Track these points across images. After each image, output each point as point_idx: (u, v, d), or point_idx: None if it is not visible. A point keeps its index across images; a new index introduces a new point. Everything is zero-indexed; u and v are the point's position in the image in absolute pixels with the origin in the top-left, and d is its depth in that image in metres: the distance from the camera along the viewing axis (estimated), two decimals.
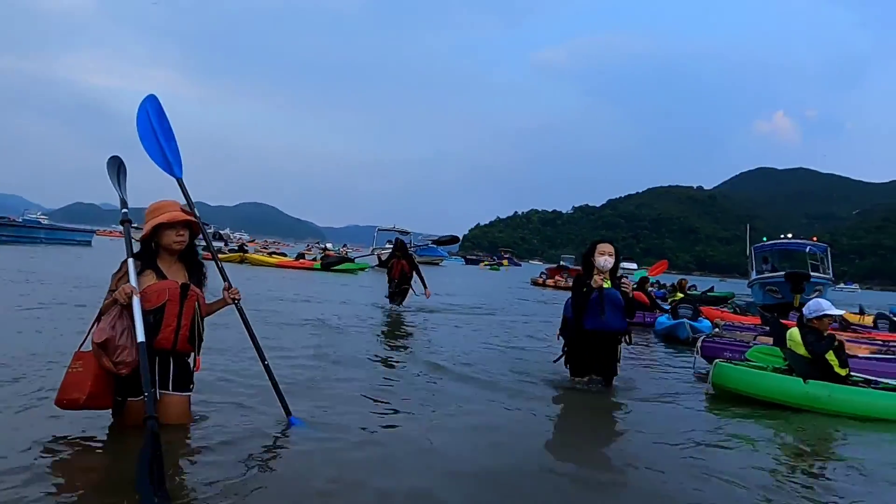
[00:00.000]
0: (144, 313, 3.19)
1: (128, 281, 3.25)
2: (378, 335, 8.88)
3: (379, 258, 12.98)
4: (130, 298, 3.15)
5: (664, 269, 26.02)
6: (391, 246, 14.76)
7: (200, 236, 3.69)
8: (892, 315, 15.26)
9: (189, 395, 3.54)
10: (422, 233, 45.23)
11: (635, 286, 13.92)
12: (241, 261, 27.04)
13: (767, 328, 8.68)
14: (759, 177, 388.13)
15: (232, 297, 3.64)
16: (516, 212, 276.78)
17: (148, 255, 3.46)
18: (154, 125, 3.83)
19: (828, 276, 24.12)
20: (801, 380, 5.50)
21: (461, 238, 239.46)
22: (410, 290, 11.98)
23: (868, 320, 15.12)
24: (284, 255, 31.57)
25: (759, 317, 11.52)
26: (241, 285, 3.87)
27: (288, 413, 3.71)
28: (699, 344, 7.64)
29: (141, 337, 3.11)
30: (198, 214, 3.61)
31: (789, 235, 27.37)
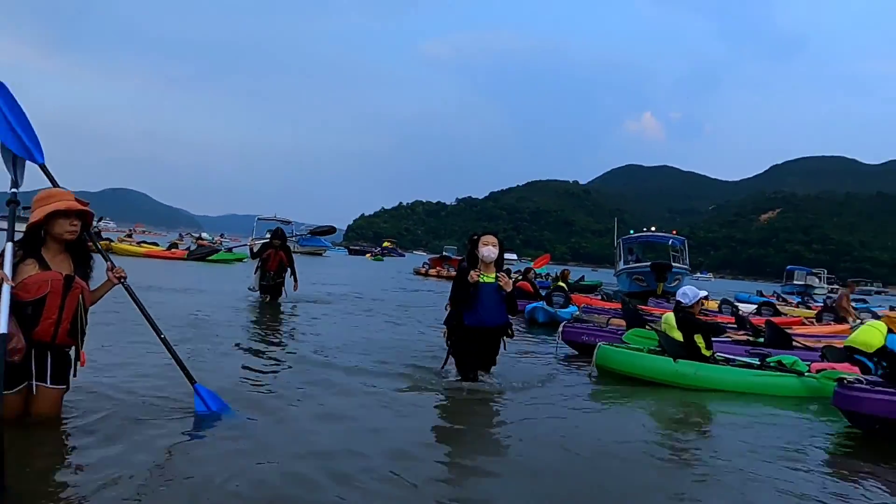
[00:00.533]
0: (22, 304, 3.12)
1: (1, 267, 3.08)
2: (251, 328, 8.48)
3: (251, 249, 12.54)
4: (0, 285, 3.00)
5: (547, 262, 27.12)
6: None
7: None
8: (736, 302, 16.82)
9: (64, 389, 3.48)
10: (304, 223, 43.91)
11: (520, 277, 14.55)
12: (108, 250, 25.03)
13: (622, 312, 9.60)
14: (628, 173, 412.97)
15: (117, 276, 3.55)
16: (401, 203, 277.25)
17: (32, 243, 3.32)
18: (4, 112, 3.56)
19: (686, 266, 26.30)
20: (671, 359, 6.03)
21: (346, 228, 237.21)
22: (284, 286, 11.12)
23: (713, 305, 16.60)
24: (156, 244, 29.65)
25: (619, 303, 12.38)
26: (103, 277, 3.65)
27: (192, 381, 3.84)
28: (560, 329, 8.19)
29: (2, 328, 2.92)
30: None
31: (653, 229, 29.49)
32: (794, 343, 8.32)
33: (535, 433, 4.31)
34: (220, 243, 33.45)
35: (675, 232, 28.93)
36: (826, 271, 65.09)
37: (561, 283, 14.14)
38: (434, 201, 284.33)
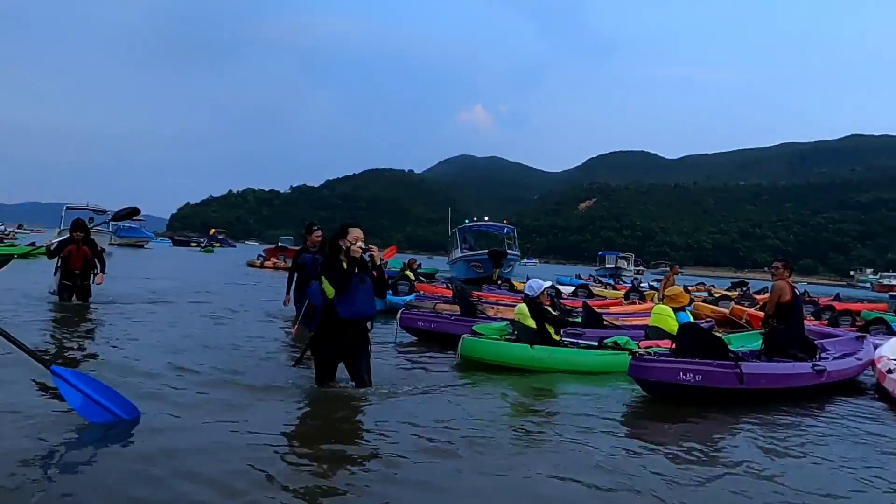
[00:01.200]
0: None
1: None
2: (57, 335, 7.29)
3: (48, 248, 9.89)
4: None
5: (395, 254, 27.50)
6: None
7: None
8: (557, 284, 18.28)
9: None
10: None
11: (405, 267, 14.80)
12: None
13: (452, 299, 10.35)
14: (461, 163, 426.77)
15: None
16: (231, 190, 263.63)
17: None
18: (89, 393, 3.58)
19: (518, 253, 28.20)
20: (528, 346, 6.60)
21: (169, 218, 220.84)
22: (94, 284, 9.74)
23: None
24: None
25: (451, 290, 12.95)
26: None
27: (46, 365, 3.64)
28: (399, 315, 8.60)
29: None
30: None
31: (486, 218, 31.08)
32: (605, 323, 9.39)
33: (405, 425, 4.39)
34: (14, 235, 29.83)
35: (506, 221, 30.79)
36: (633, 255, 72.54)
37: (408, 272, 14.51)
38: (267, 189, 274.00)
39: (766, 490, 3.60)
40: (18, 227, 54.68)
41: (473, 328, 7.72)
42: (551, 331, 6.92)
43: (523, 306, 7.07)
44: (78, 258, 9.55)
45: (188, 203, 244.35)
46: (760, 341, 7.24)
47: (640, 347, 6.88)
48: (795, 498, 3.52)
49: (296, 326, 6.73)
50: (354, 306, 4.94)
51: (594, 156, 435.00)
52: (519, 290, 17.08)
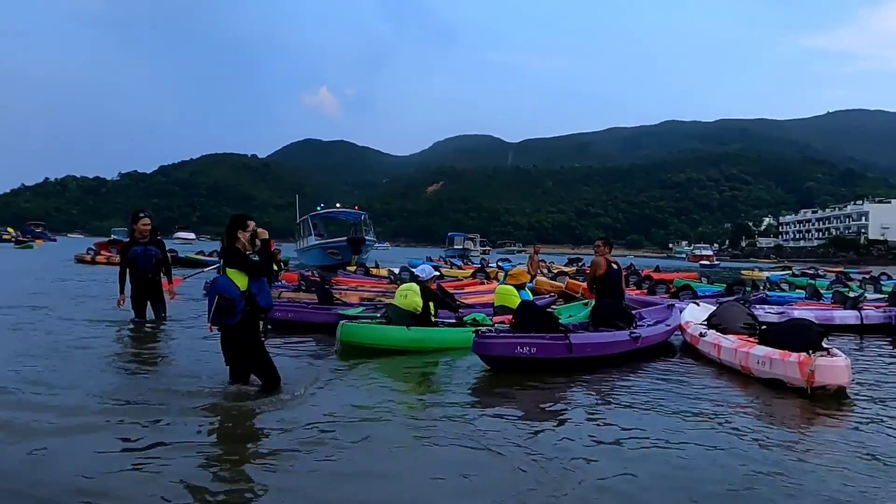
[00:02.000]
0: None
1: None
2: None
3: None
4: None
5: None
6: None
7: None
8: (410, 267, 18.84)
9: None
10: None
11: None
12: None
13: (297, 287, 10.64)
14: (307, 147, 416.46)
15: None
16: (47, 178, 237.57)
17: None
18: None
19: (373, 239, 28.57)
20: (405, 328, 6.94)
21: None
22: None
23: (384, 272, 18.56)
24: None
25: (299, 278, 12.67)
26: None
27: None
28: None
29: None
30: None
31: (338, 205, 31.01)
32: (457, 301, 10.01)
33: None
34: None
35: (357, 207, 30.92)
36: (479, 236, 75.54)
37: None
38: (91, 176, 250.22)
39: (588, 433, 4.31)
40: None
41: (340, 312, 7.97)
42: (432, 312, 7.39)
43: (408, 289, 7.42)
44: None
45: None
46: (588, 311, 8.17)
47: (493, 323, 7.53)
48: (612, 437, 4.28)
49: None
50: (268, 296, 4.96)
51: (441, 139, 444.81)
52: (374, 275, 17.46)
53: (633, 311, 8.38)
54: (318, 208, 29.81)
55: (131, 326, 8.17)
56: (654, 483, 3.51)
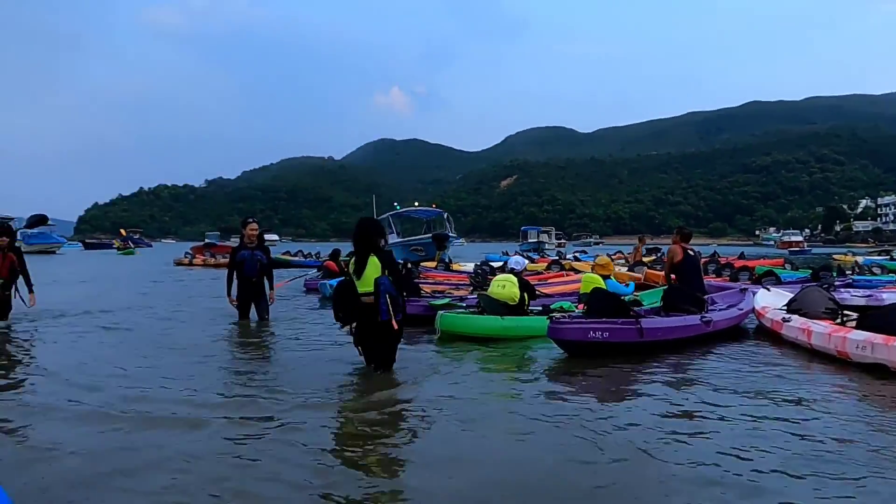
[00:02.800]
0: None
1: None
2: None
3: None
4: None
5: None
6: None
7: None
8: (489, 262, 19.30)
9: None
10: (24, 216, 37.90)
11: (327, 257, 15.45)
12: None
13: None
14: (380, 147, 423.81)
15: None
16: (142, 188, 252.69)
17: None
18: None
19: (455, 234, 29.70)
20: (499, 317, 7.42)
21: (77, 221, 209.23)
22: (16, 297, 8.69)
23: (469, 267, 18.98)
24: None
25: None
26: None
27: None
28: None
29: None
30: None
31: (416, 204, 32.05)
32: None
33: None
34: None
35: (434, 206, 31.93)
36: (554, 229, 75.10)
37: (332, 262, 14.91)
38: (181, 184, 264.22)
39: (660, 412, 4.53)
40: None
41: (430, 304, 8.53)
42: (527, 302, 7.86)
43: (505, 280, 7.84)
44: (4, 266, 8.39)
45: (96, 203, 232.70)
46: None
47: (577, 310, 7.79)
48: (683, 409, 4.55)
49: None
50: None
51: (512, 133, 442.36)
52: (455, 270, 17.98)
53: (706, 297, 8.44)
54: (396, 207, 30.74)
55: (236, 326, 8.61)
56: (782, 461, 3.55)
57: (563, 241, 73.27)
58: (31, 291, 8.80)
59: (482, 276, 12.10)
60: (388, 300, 5.20)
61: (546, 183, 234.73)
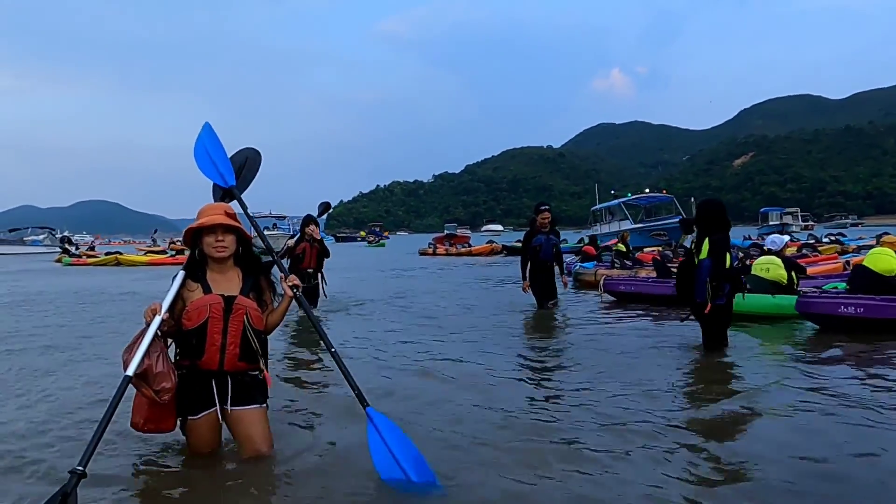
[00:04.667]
0: (186, 333, 2.97)
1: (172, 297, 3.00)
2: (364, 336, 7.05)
3: (289, 247, 8.92)
4: (151, 317, 2.86)
5: None
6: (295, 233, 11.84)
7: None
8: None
9: (257, 410, 3.13)
10: (286, 215, 43.61)
11: (586, 241, 17.09)
12: (117, 263, 26.82)
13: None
14: (600, 132, 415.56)
15: (290, 284, 3.22)
16: (378, 185, 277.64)
17: (196, 265, 3.12)
18: (206, 146, 3.75)
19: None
20: (770, 296, 7.54)
21: (326, 217, 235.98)
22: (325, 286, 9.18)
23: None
24: (165, 252, 30.78)
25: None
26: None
27: (364, 404, 3.11)
28: (602, 281, 10.18)
29: (129, 370, 2.74)
30: (251, 215, 3.72)
31: (647, 190, 32.00)
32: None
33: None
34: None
35: (664, 191, 31.65)
36: (799, 210, 67.81)
37: (620, 246, 15.55)
38: (411, 180, 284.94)
39: None
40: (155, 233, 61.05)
41: None
42: (795, 281, 7.83)
43: (769, 262, 7.86)
44: (312, 258, 8.84)
45: (341, 201, 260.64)
46: None
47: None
48: None
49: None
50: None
51: (747, 106, 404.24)
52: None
53: None
54: (628, 195, 30.92)
55: (535, 311, 8.75)
56: None
57: (810, 223, 65.83)
58: (324, 283, 9.26)
59: (660, 263, 11.79)
60: (707, 283, 5.38)
61: (788, 159, 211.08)
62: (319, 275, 9.02)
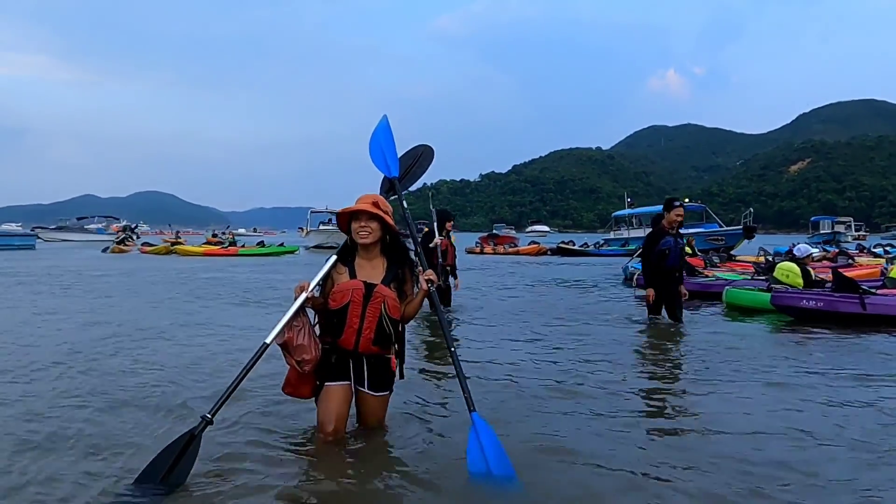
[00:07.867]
0: (330, 313, 3.22)
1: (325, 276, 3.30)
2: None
3: (426, 237, 8.78)
4: (299, 293, 3.16)
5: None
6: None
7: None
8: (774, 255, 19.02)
9: (383, 396, 3.39)
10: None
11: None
12: (168, 252, 28.21)
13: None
14: (651, 134, 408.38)
15: (426, 278, 3.27)
16: (425, 183, 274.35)
17: (348, 251, 3.37)
18: (380, 138, 4.05)
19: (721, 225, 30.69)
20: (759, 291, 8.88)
21: None
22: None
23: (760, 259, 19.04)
24: (222, 243, 31.77)
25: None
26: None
27: (471, 409, 3.11)
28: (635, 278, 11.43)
29: (268, 339, 3.10)
30: (405, 207, 3.88)
31: (687, 200, 33.39)
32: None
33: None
34: (232, 238, 36.37)
35: (699, 201, 34.09)
36: (853, 220, 66.13)
37: (687, 249, 16.22)
38: (458, 179, 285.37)
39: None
40: (253, 230, 65.47)
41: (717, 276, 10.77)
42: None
43: (788, 269, 8.84)
44: (451, 254, 8.61)
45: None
46: None
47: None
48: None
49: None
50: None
51: (806, 111, 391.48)
52: (741, 261, 18.21)
53: None
54: (628, 202, 33.54)
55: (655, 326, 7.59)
56: None
57: (863, 232, 64.21)
58: (455, 277, 9.08)
59: (769, 264, 12.00)
60: None
61: (848, 166, 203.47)
62: (450, 274, 8.72)
